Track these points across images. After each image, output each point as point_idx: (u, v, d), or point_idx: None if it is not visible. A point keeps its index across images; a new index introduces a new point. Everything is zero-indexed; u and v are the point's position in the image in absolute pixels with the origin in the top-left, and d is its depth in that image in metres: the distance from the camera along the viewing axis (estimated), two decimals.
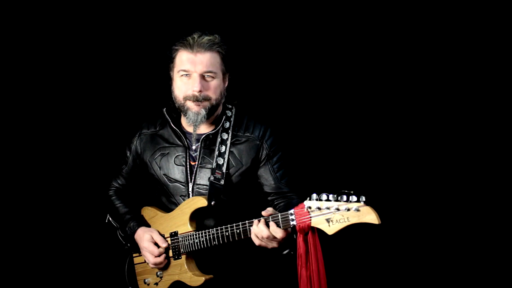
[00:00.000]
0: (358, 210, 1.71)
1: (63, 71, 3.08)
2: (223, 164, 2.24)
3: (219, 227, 2.11)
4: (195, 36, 2.18)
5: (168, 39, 2.30)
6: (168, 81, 2.33)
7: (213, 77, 2.18)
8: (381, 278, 3.00)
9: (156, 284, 2.36)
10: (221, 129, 2.28)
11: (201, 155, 2.27)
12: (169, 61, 2.27)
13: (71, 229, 3.14)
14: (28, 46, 3.00)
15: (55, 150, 3.10)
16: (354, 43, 2.93)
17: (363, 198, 1.72)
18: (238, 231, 2.04)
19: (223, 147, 2.26)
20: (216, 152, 2.25)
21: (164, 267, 2.31)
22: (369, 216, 1.69)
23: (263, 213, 1.95)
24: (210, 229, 2.13)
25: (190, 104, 2.18)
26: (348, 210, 1.73)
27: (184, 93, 2.19)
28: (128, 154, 2.45)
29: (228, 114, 2.31)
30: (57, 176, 3.11)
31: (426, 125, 2.91)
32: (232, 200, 2.26)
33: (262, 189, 2.30)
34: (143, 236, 2.29)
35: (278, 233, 1.89)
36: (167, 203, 2.34)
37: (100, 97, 3.12)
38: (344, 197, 1.74)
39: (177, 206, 2.28)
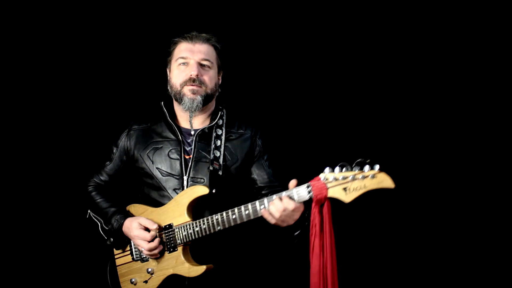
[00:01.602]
0: (374, 177, 1.89)
1: (49, 68, 3.09)
2: (219, 156, 2.32)
3: (224, 211, 2.15)
4: (194, 32, 2.33)
5: (162, 38, 2.42)
6: (164, 78, 2.41)
7: (209, 67, 2.30)
8: (383, 249, 3.11)
9: (146, 282, 2.30)
10: (215, 125, 2.36)
11: (196, 149, 2.32)
12: (167, 55, 2.37)
13: (53, 227, 3.12)
14: (10, 40, 3.00)
15: (39, 147, 3.11)
16: (341, 44, 3.08)
17: (377, 166, 1.90)
18: (247, 212, 2.10)
19: (218, 141, 2.34)
20: (212, 146, 2.32)
21: (157, 260, 2.27)
22: (385, 181, 1.87)
23: (290, 184, 2.03)
24: (213, 215, 2.16)
25: (186, 90, 2.27)
26: (365, 177, 1.90)
27: (181, 79, 2.29)
28: (114, 151, 2.43)
29: (220, 113, 2.40)
30: (40, 173, 3.11)
31: (422, 125, 3.04)
32: (228, 193, 2.32)
33: (255, 184, 2.38)
34: (131, 225, 2.26)
35: (291, 204, 1.98)
36: (158, 197, 2.33)
37: (85, 94, 3.13)
38: (359, 166, 1.91)
39: (169, 200, 2.29)
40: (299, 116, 3.11)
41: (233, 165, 2.33)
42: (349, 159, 1.92)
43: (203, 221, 2.18)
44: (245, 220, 2.11)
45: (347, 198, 1.92)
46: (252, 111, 2.73)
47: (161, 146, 2.34)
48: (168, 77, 2.41)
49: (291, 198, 1.99)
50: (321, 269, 1.97)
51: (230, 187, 2.32)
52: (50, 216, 3.13)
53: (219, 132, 2.36)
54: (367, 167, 1.89)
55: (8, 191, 3.07)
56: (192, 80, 2.27)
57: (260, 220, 2.16)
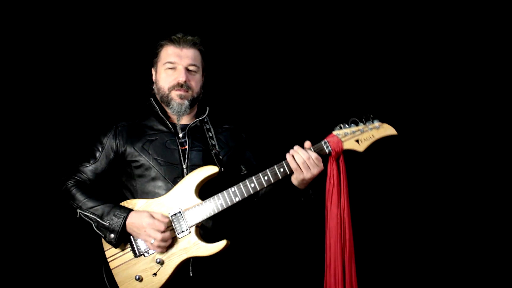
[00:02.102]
0: (379, 127, 2.25)
1: (22, 68, 2.99)
2: (215, 144, 2.44)
3: (240, 182, 2.25)
4: (179, 35, 2.43)
5: (142, 38, 2.52)
6: (148, 77, 2.48)
7: (195, 72, 2.42)
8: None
9: (155, 274, 2.22)
10: (203, 117, 2.47)
11: (190, 140, 2.38)
12: (153, 55, 2.45)
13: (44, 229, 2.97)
14: None
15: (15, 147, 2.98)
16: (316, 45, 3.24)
17: (378, 119, 2.27)
18: (266, 177, 2.22)
19: (210, 133, 2.48)
20: (207, 136, 2.44)
21: (167, 249, 2.22)
22: (389, 130, 2.23)
23: (305, 145, 2.23)
24: (229, 188, 2.24)
25: (174, 95, 2.36)
26: (372, 129, 2.25)
27: (169, 83, 2.37)
28: (100, 149, 2.36)
29: (207, 111, 2.51)
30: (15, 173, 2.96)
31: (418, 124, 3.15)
32: (229, 177, 2.40)
33: (241, 172, 2.51)
34: (141, 215, 2.20)
35: (314, 154, 2.17)
36: (156, 188, 2.31)
37: (63, 93, 3.05)
38: (364, 121, 2.26)
39: (167, 189, 2.28)
40: (270, 112, 3.27)
41: (227, 152, 2.43)
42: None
43: (218, 196, 2.22)
44: (265, 185, 2.22)
45: (360, 147, 2.22)
46: (226, 108, 2.85)
47: (156, 138, 2.35)
48: (154, 78, 2.47)
49: (313, 150, 2.20)
50: (339, 213, 2.19)
51: (228, 171, 2.40)
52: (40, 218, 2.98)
53: (208, 126, 2.47)
54: (373, 121, 2.23)
55: None
56: (180, 85, 2.35)
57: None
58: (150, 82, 2.49)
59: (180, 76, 2.34)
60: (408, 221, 3.18)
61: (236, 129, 2.53)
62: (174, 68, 2.37)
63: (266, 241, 3.17)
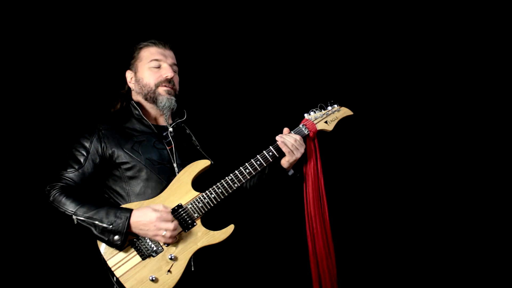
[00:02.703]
0: (339, 110, 2.64)
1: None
2: (195, 140, 2.56)
3: (235, 170, 2.40)
4: (153, 40, 2.52)
5: (119, 44, 2.55)
6: (122, 80, 2.51)
7: (176, 71, 2.53)
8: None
9: (169, 271, 2.23)
10: (184, 119, 2.55)
11: (174, 139, 2.45)
12: (129, 58, 2.50)
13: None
14: None
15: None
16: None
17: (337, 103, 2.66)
18: (258, 162, 2.40)
19: (187, 130, 2.59)
20: (187, 132, 2.55)
21: (175, 244, 2.26)
22: (347, 111, 2.62)
23: (284, 131, 2.49)
24: (226, 177, 2.38)
25: (162, 91, 2.43)
26: (334, 112, 2.63)
27: (156, 79, 2.44)
28: (84, 154, 2.29)
29: (184, 111, 2.58)
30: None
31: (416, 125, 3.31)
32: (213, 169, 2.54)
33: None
34: (145, 211, 2.19)
35: (298, 136, 2.42)
36: (149, 189, 2.31)
37: (38, 99, 2.91)
38: (327, 106, 2.63)
39: (161, 188, 2.32)
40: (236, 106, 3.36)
41: (204, 148, 2.55)
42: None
43: (217, 186, 2.33)
44: (258, 169, 2.40)
45: (329, 127, 2.56)
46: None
47: (143, 139, 2.35)
48: (132, 78, 2.48)
49: (295, 133, 2.47)
50: (317, 185, 2.49)
51: (217, 161, 2.52)
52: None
53: (186, 127, 2.57)
54: (334, 105, 2.61)
55: None
56: (167, 81, 2.42)
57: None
58: (121, 85, 2.48)
59: (167, 72, 2.42)
60: (372, 194, 3.42)
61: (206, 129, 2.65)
62: (159, 66, 2.44)
63: (262, 229, 3.24)
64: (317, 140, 2.54)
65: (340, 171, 3.30)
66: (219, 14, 3.30)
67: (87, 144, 2.28)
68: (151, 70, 2.44)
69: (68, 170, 2.24)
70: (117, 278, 2.15)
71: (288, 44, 3.42)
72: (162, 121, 2.48)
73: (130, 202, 2.27)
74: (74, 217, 2.13)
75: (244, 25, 3.36)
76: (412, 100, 3.41)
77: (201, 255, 2.29)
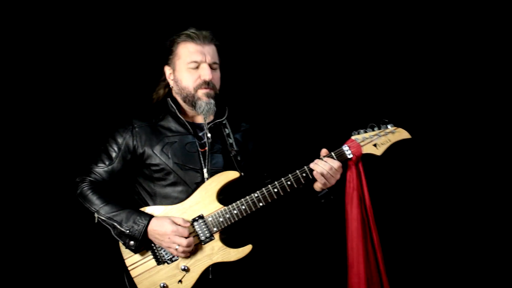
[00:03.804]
0: (394, 132, 2.34)
1: (42, 67, 2.91)
2: (232, 143, 2.44)
3: (262, 188, 2.28)
4: (193, 30, 2.34)
5: (160, 34, 2.42)
6: (158, 75, 2.42)
7: (216, 69, 2.36)
8: None
9: (180, 281, 2.22)
10: (224, 118, 2.43)
11: (210, 142, 2.35)
12: (168, 53, 2.36)
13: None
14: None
15: (28, 147, 2.91)
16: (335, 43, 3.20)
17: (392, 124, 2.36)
18: (289, 182, 2.27)
19: (227, 130, 2.45)
20: (225, 135, 2.44)
21: (190, 256, 2.23)
22: (404, 133, 2.33)
23: (322, 152, 2.30)
24: (251, 194, 2.27)
25: (201, 94, 2.30)
26: (388, 133, 2.34)
27: (194, 82, 2.30)
28: (116, 150, 2.30)
29: (225, 108, 2.46)
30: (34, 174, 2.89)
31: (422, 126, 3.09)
32: (248, 178, 2.40)
33: (263, 173, 2.50)
34: (163, 223, 2.17)
35: (335, 163, 2.24)
36: (175, 193, 2.28)
37: (74, 93, 2.97)
38: (380, 126, 2.35)
39: (187, 194, 2.27)
40: (284, 111, 3.26)
41: (246, 155, 2.41)
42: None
43: (241, 202, 2.24)
44: (288, 190, 2.26)
45: (378, 151, 2.30)
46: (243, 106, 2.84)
47: (175, 140, 2.30)
48: (170, 76, 2.38)
49: (334, 158, 2.26)
50: (360, 216, 2.28)
51: (249, 174, 2.39)
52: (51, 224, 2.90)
53: (226, 125, 2.45)
54: (387, 125, 2.33)
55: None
56: (206, 83, 2.29)
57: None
58: (158, 80, 2.42)
59: (206, 75, 2.27)
60: (425, 221, 3.26)
61: (253, 128, 2.51)
62: (197, 66, 2.30)
63: (286, 244, 3.21)
64: (362, 165, 2.32)
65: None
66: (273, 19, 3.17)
67: (120, 140, 2.30)
68: (189, 72, 2.30)
69: (99, 165, 2.29)
70: (131, 278, 2.23)
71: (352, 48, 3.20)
72: (199, 119, 2.40)
73: (156, 203, 2.29)
74: (96, 215, 2.20)
75: (302, 30, 3.21)
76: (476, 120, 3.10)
77: (220, 264, 2.28)
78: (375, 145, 2.30)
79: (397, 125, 2.35)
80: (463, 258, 3.19)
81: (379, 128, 2.32)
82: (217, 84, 2.36)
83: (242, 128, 2.48)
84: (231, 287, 2.33)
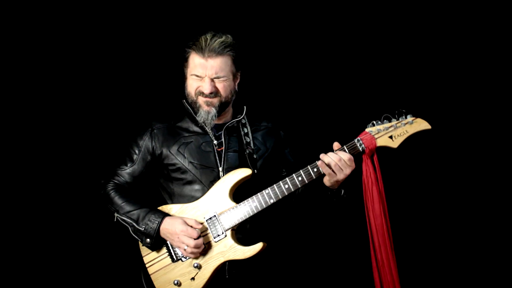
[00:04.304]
0: (413, 122, 2.20)
1: (65, 70, 3.05)
2: (249, 142, 2.42)
3: (274, 184, 2.24)
4: (208, 37, 2.29)
5: (180, 38, 2.46)
6: (181, 77, 2.43)
7: (223, 80, 2.32)
8: None
9: (193, 278, 2.23)
10: (241, 118, 2.43)
11: (227, 141, 2.36)
12: (184, 59, 2.38)
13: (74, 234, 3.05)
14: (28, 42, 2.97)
15: (54, 149, 3.05)
16: (356, 44, 3.18)
17: (411, 115, 2.22)
18: (300, 178, 2.21)
19: (245, 129, 2.45)
20: (242, 133, 2.42)
21: (201, 253, 2.23)
22: (423, 124, 2.19)
23: (334, 146, 2.22)
24: (263, 190, 2.24)
25: (201, 101, 2.31)
26: (405, 124, 2.21)
27: (195, 90, 2.32)
28: (137, 152, 2.38)
29: (243, 108, 2.46)
30: (55, 176, 3.03)
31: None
32: (263, 177, 2.38)
33: (281, 173, 2.47)
34: (175, 222, 2.21)
35: (345, 155, 2.15)
36: (192, 192, 2.32)
37: (99, 97, 3.08)
38: (397, 116, 2.22)
39: (203, 193, 2.29)
40: (307, 109, 3.25)
41: (264, 154, 2.41)
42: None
43: (252, 199, 2.22)
44: (299, 186, 2.21)
45: (394, 144, 2.18)
46: (263, 106, 2.84)
47: (191, 140, 2.35)
48: (185, 82, 2.41)
49: (345, 151, 2.17)
50: (382, 211, 2.17)
51: (263, 172, 2.38)
52: (71, 223, 3.05)
53: (245, 124, 2.44)
54: (406, 116, 2.19)
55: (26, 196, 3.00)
56: (205, 95, 2.29)
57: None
58: (182, 83, 2.45)
59: (205, 88, 2.27)
60: (444, 218, 3.14)
61: (274, 128, 2.50)
62: (201, 77, 2.30)
63: (302, 244, 3.16)
64: (377, 158, 2.22)
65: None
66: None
67: (140, 142, 2.38)
68: (193, 80, 2.32)
69: (121, 167, 2.38)
70: (148, 275, 2.29)
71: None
72: (220, 119, 2.41)
73: (174, 202, 2.35)
74: (115, 214, 2.29)
75: (314, 27, 3.19)
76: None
77: (237, 263, 2.28)
78: (391, 137, 2.19)
79: (416, 115, 2.20)
80: (481, 260, 3.08)
81: (397, 119, 2.20)
82: (223, 92, 2.32)
83: (263, 127, 2.48)
84: (248, 287, 2.30)
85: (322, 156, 2.16)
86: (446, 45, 3.09)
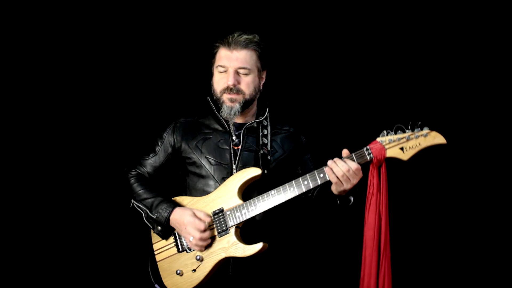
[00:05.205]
0: (427, 135, 2.11)
1: (92, 65, 3.19)
2: (267, 144, 2.44)
3: (280, 186, 2.24)
4: (235, 34, 2.37)
5: (209, 37, 2.50)
6: (209, 76, 2.50)
7: (247, 74, 2.36)
8: None
9: (194, 270, 2.28)
10: (262, 120, 2.46)
11: (244, 140, 2.40)
12: (211, 57, 2.45)
13: (92, 223, 3.20)
14: (47, 39, 3.14)
15: (75, 143, 3.21)
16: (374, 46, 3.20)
17: (427, 127, 2.13)
18: (305, 182, 2.20)
19: (265, 131, 2.47)
20: (261, 134, 2.45)
21: (206, 246, 2.28)
22: (438, 138, 2.09)
23: (343, 153, 2.19)
24: (269, 191, 2.25)
25: (225, 98, 2.36)
26: (418, 136, 2.12)
27: (220, 86, 2.37)
28: (159, 144, 2.47)
29: (267, 111, 2.50)
30: (74, 168, 3.19)
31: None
32: (275, 179, 2.38)
33: (291, 172, 2.47)
34: (184, 213, 2.27)
35: (353, 165, 2.12)
36: (205, 186, 2.38)
37: (128, 89, 3.22)
38: (410, 128, 2.14)
39: (215, 188, 2.34)
40: (331, 115, 3.27)
41: (280, 156, 2.42)
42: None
43: (258, 198, 2.24)
44: (304, 190, 2.20)
45: (405, 156, 2.11)
46: (287, 110, 2.85)
47: (210, 137, 2.41)
48: (212, 80, 2.48)
49: (353, 160, 2.13)
50: (376, 224, 2.10)
51: (276, 174, 2.39)
52: (86, 212, 3.19)
53: (266, 126, 2.47)
54: (422, 128, 2.11)
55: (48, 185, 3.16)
56: (229, 89, 2.35)
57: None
58: (209, 79, 2.51)
59: (228, 80, 2.34)
60: (450, 236, 3.06)
61: (296, 132, 2.51)
62: (225, 71, 2.37)
63: (306, 244, 3.15)
64: (385, 169, 2.17)
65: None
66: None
67: (163, 135, 2.48)
68: (218, 76, 2.38)
69: (144, 157, 2.49)
70: (155, 262, 2.39)
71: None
72: (238, 119, 2.47)
73: (188, 195, 2.43)
74: (132, 200, 2.42)
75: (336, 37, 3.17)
76: None
77: (241, 261, 2.32)
78: (402, 148, 2.13)
79: (432, 128, 2.12)
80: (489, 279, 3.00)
81: (411, 130, 2.13)
82: (246, 89, 2.37)
83: (284, 131, 2.50)
84: (250, 285, 2.34)
85: (330, 163, 2.13)
86: (472, 60, 3.03)
